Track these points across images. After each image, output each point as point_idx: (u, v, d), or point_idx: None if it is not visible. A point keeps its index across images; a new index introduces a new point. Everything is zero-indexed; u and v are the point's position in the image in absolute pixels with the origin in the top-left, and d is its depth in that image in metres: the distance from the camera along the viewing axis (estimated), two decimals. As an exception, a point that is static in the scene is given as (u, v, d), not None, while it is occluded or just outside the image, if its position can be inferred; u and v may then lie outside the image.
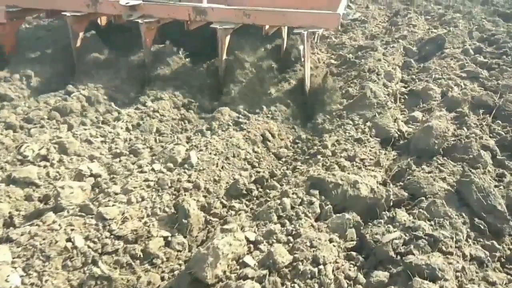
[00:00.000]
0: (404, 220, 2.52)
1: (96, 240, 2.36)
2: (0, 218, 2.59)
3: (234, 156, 3.42)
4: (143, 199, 2.75)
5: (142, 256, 2.38)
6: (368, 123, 3.86)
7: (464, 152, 3.31)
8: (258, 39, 5.31)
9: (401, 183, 3.07)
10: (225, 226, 2.27)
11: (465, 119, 3.90)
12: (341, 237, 2.47)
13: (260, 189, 3.16)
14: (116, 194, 2.77)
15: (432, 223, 2.50)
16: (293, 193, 2.76)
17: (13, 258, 2.17)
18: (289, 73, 5.14)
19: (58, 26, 6.22)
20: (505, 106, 4.15)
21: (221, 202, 2.96)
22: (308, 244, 2.27)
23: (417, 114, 4.17)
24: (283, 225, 2.49)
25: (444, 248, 2.29)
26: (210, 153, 3.34)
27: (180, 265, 2.39)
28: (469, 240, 2.48)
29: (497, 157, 3.38)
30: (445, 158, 3.30)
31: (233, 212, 2.85)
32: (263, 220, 2.55)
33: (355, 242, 2.48)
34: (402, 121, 4.02)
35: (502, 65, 5.41)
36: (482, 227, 2.57)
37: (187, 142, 3.63)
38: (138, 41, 4.81)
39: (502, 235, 2.59)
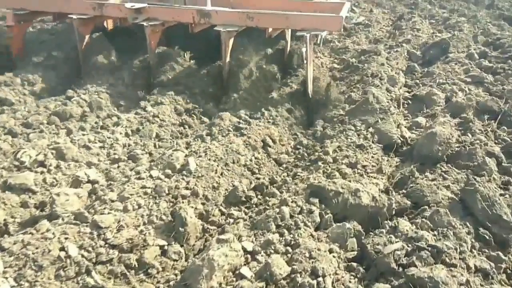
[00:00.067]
0: (407, 230, 2.46)
1: (90, 249, 2.31)
2: (-5, 226, 2.56)
3: (233, 162, 3.37)
4: (139, 206, 2.70)
5: (137, 265, 2.32)
6: (371, 129, 3.80)
7: (468, 159, 3.25)
8: (261, 42, 5.28)
9: (403, 191, 3.00)
10: (221, 236, 2.22)
11: (469, 125, 3.83)
12: (341, 247, 2.41)
13: (260, 196, 3.11)
14: (113, 201, 2.72)
15: (436, 233, 2.44)
16: (292, 202, 2.70)
17: (5, 267, 2.13)
18: (292, 77, 5.11)
19: (62, 30, 6.24)
20: (510, 112, 4.08)
21: (220, 210, 2.90)
22: (307, 255, 2.21)
23: (421, 119, 4.11)
24: (281, 234, 2.44)
25: (447, 260, 2.23)
26: (209, 159, 3.29)
27: (176, 275, 2.33)
28: (473, 251, 2.41)
29: (503, 164, 3.31)
30: (449, 165, 3.24)
31: (231, 220, 2.79)
32: (261, 230, 2.49)
33: (355, 253, 2.42)
34: (405, 127, 3.96)
35: (508, 70, 5.34)
36: (487, 238, 2.50)
37: (187, 148, 3.59)
38: (143, 44, 4.83)
39: (508, 245, 2.51)
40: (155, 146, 3.78)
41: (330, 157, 3.39)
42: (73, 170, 3.20)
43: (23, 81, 4.53)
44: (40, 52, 5.14)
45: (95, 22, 5.22)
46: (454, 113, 4.09)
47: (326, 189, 2.75)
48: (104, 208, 2.63)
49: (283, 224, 2.52)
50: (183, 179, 3.02)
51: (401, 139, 3.69)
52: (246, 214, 2.89)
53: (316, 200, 2.71)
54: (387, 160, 3.43)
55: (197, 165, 3.17)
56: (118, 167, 3.33)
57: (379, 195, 2.79)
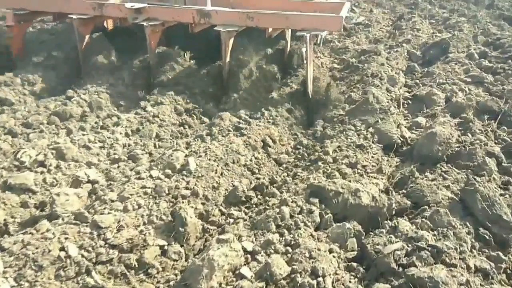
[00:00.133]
0: (407, 230, 2.46)
1: (90, 249, 2.31)
2: (-5, 226, 2.55)
3: (233, 162, 3.37)
4: (139, 206, 2.70)
5: (137, 265, 2.32)
6: (371, 129, 3.80)
7: (468, 159, 3.25)
8: (261, 42, 5.28)
9: (403, 191, 3.00)
10: (221, 236, 2.22)
11: (469, 125, 3.83)
12: (341, 247, 2.41)
13: (260, 196, 3.10)
14: (113, 201, 2.72)
15: (436, 233, 2.44)
16: (292, 202, 2.70)
17: (5, 267, 2.13)
18: (292, 77, 5.11)
19: (62, 30, 6.23)
20: (510, 112, 4.08)
21: (220, 210, 2.90)
22: (307, 255, 2.21)
23: (421, 119, 4.11)
24: (281, 234, 2.43)
25: (447, 260, 2.23)
26: (209, 159, 3.28)
27: (176, 275, 2.33)
28: (473, 251, 2.41)
29: (503, 164, 3.30)
30: (449, 165, 3.24)
31: (231, 220, 2.79)
32: (261, 229, 2.49)
33: (355, 253, 2.42)
34: (405, 127, 3.96)
35: (508, 70, 5.33)
36: (487, 238, 2.50)
37: (187, 148, 3.58)
38: (143, 44, 4.84)
39: (508, 245, 2.51)
40: (155, 146, 3.78)
41: (330, 157, 3.39)
42: (73, 170, 3.20)
43: (23, 81, 4.53)
44: (40, 52, 5.14)
45: (95, 22, 5.22)
46: (454, 113, 4.09)
47: (326, 189, 2.75)
48: (104, 208, 2.63)
49: (283, 224, 2.51)
50: (183, 179, 3.02)
51: (401, 139, 3.69)
52: (246, 214, 2.89)
53: (316, 200, 2.71)
54: (387, 160, 3.43)
55: (197, 165, 3.16)
56: (118, 167, 3.33)
57: (379, 195, 2.78)
